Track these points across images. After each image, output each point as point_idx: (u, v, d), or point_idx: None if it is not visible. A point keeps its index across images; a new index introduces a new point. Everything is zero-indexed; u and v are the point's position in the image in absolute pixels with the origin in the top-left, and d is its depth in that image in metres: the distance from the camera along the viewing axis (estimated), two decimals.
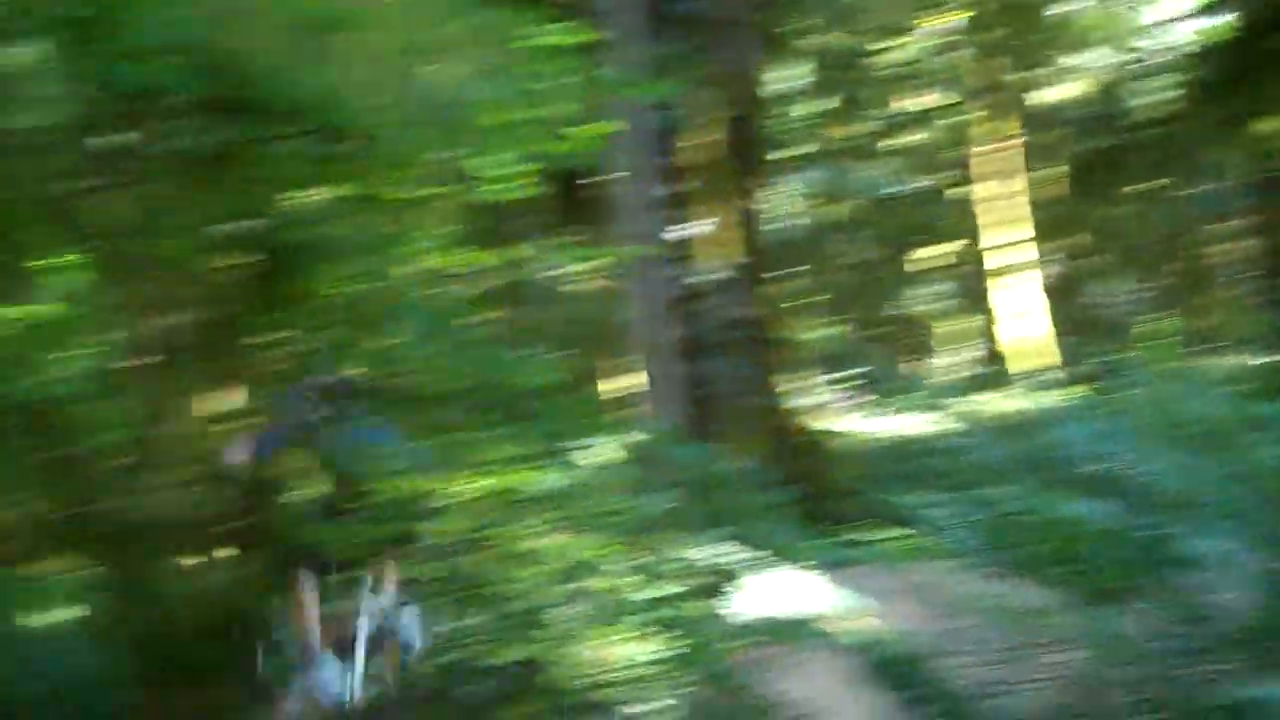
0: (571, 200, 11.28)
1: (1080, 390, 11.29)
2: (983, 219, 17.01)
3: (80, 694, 6.86)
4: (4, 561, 6.86)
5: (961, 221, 18.18)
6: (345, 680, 5.00)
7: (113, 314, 5.75)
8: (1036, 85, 18.11)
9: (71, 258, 5.72)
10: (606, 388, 10.92)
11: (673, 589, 5.76)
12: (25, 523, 6.58)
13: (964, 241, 18.82)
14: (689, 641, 5.54)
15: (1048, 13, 17.41)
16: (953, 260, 20.21)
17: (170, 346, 5.65)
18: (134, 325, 5.79)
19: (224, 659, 5.40)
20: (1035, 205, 16.84)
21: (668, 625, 5.57)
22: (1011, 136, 16.71)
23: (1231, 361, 14.21)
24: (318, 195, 5.05)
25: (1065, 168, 18.75)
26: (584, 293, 11.90)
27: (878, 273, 21.05)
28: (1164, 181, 18.37)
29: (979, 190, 17.15)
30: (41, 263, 5.61)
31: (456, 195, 5.52)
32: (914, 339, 22.16)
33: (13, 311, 5.65)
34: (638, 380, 10.48)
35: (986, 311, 17.31)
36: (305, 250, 5.23)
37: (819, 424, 11.28)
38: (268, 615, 5.49)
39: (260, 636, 5.46)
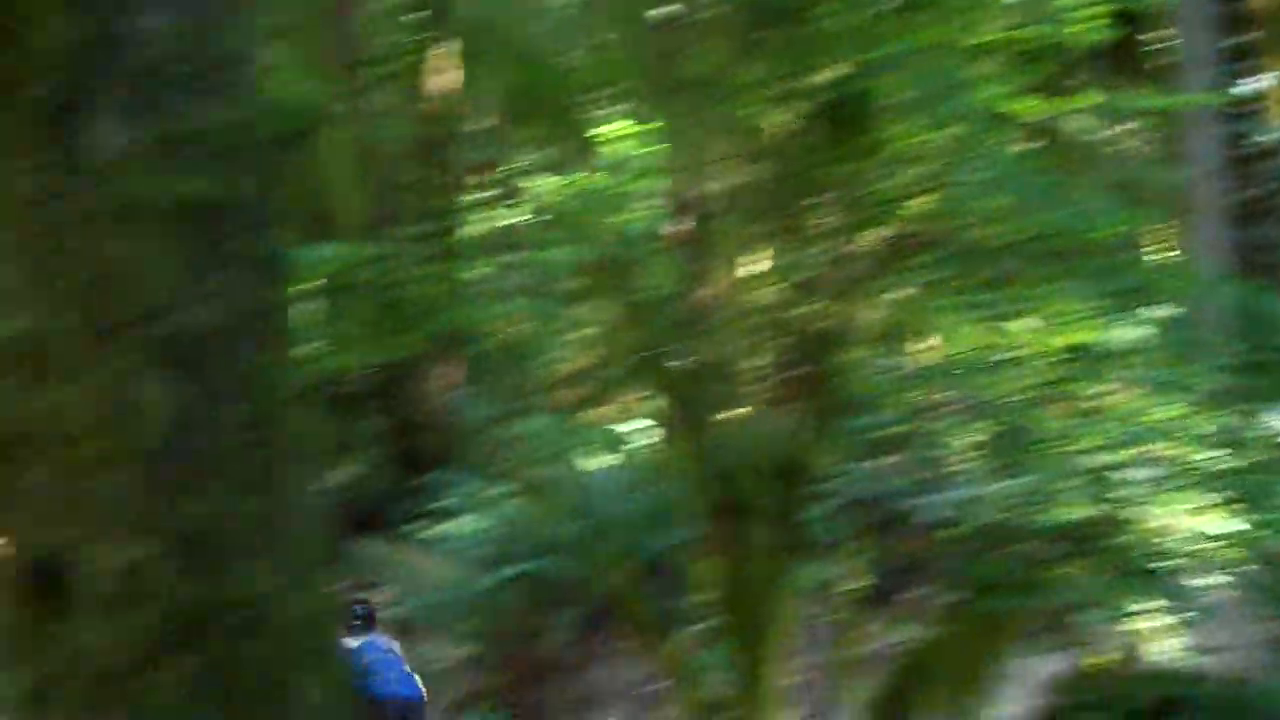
0: (1131, 50, 10.47)
1: None
2: None
3: (637, 529, 7.60)
4: (565, 408, 7.66)
5: None
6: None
7: (681, 171, 6.07)
8: None
9: (629, 124, 6.07)
10: (1160, 248, 10.17)
11: (1244, 460, 5.33)
12: (596, 369, 7.30)
13: None
14: (1259, 517, 5.14)
15: None
16: None
17: (733, 203, 5.88)
18: (699, 182, 6.06)
19: (778, 502, 5.68)
20: None
21: (1237, 498, 5.19)
22: None
23: None
24: (886, 45, 5.04)
25: None
26: (1139, 148, 11.08)
27: None
28: None
29: None
30: (605, 129, 6.03)
31: (1024, 40, 5.28)
32: None
33: (583, 178, 6.14)
34: (1191, 242, 9.68)
35: None
36: (871, 101, 5.25)
37: None
38: (817, 463, 5.72)
39: (812, 483, 5.73)
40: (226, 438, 1.56)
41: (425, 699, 7.18)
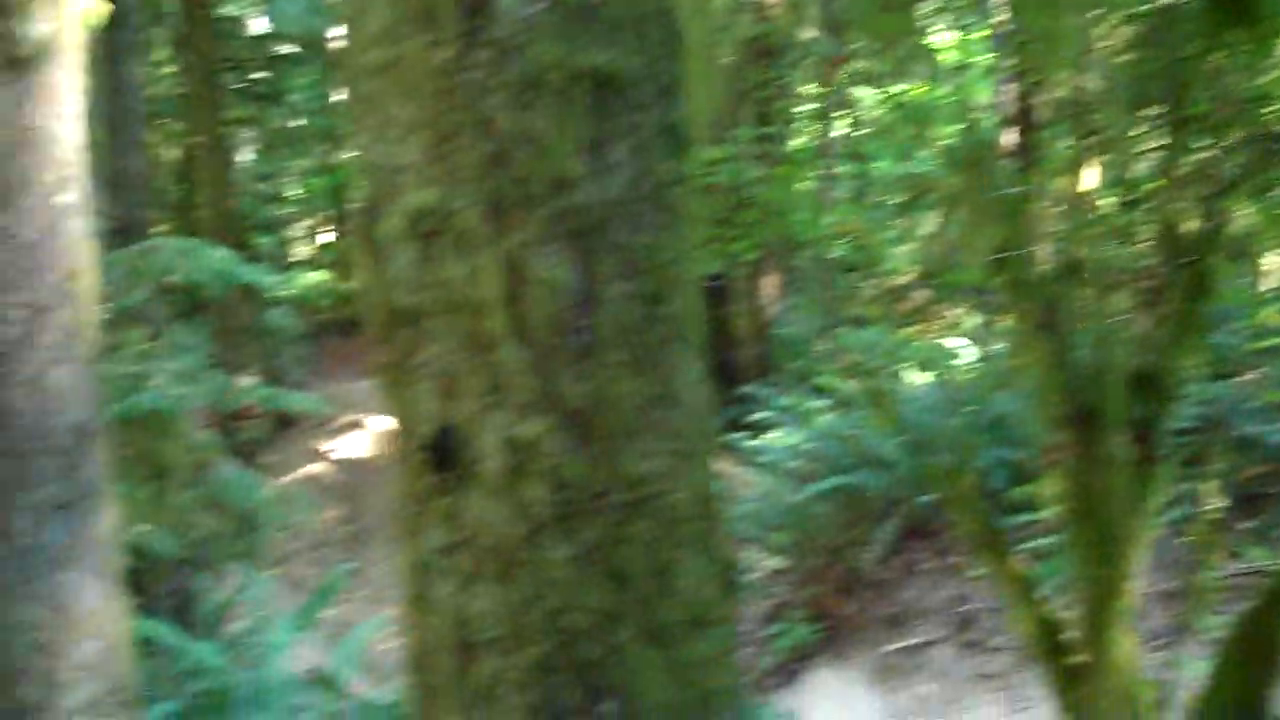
0: None
1: None
2: None
3: (966, 443, 7.37)
4: (891, 320, 7.45)
5: None
6: None
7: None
8: None
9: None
10: None
11: None
12: (924, 280, 7.04)
13: None
14: None
15: None
16: None
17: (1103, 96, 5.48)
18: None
19: (1138, 412, 5.31)
20: None
21: None
22: None
23: None
24: None
25: None
26: None
27: None
28: None
29: None
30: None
31: None
32: None
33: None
34: None
35: None
36: None
37: None
38: (1177, 374, 5.29)
39: (1173, 395, 5.30)
40: (620, 315, 1.53)
41: None
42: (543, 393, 1.53)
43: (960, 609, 7.20)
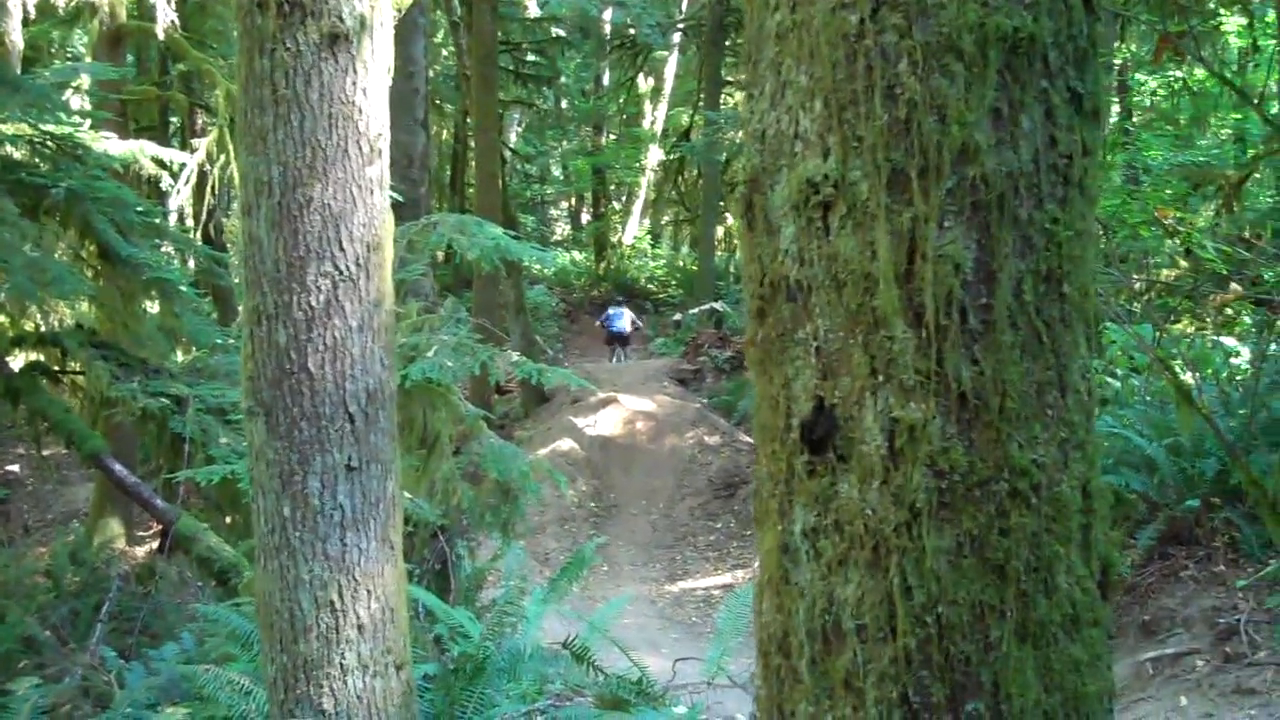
0: None
1: None
2: None
3: (1232, 450, 6.87)
4: (1159, 317, 6.97)
5: None
6: None
7: None
8: None
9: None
10: None
11: None
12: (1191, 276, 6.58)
13: None
14: None
15: None
16: None
17: None
18: None
19: None
20: None
21: None
22: None
23: None
24: None
25: None
26: None
27: None
28: None
29: None
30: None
31: None
32: None
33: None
34: None
35: None
36: None
37: None
38: None
39: None
40: (1018, 294, 1.44)
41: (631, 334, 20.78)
42: (930, 374, 1.46)
43: (1222, 619, 6.76)
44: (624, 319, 22.12)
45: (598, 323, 23.26)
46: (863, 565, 1.53)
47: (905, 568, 1.50)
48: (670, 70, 31.98)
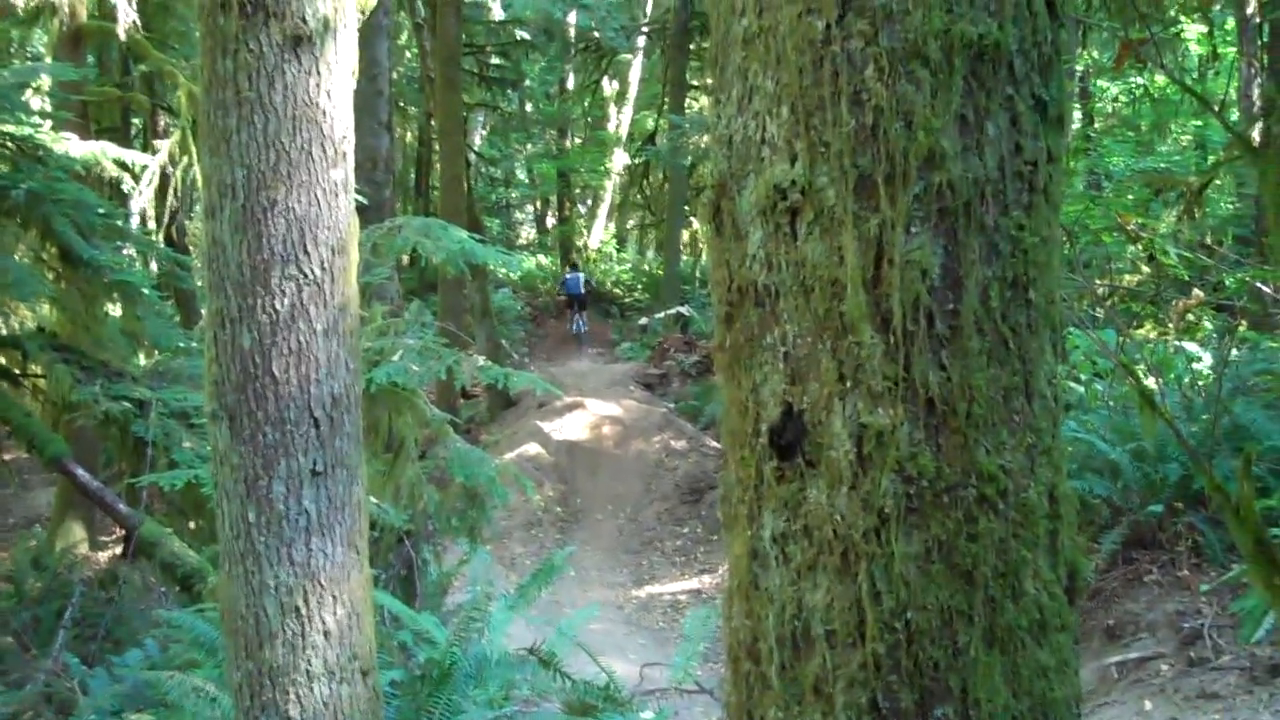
0: None
1: None
2: None
3: (1196, 455, 6.95)
4: (1123, 323, 7.04)
5: None
6: None
7: None
8: None
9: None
10: None
11: None
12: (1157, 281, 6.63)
13: None
14: None
15: None
16: None
17: None
18: None
19: None
20: None
21: None
22: None
23: None
24: None
25: None
26: None
27: None
28: None
29: None
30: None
31: None
32: None
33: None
34: None
35: None
36: None
37: None
38: None
39: None
40: (985, 300, 1.45)
41: (586, 295, 23.22)
42: (898, 380, 1.46)
43: (1185, 624, 6.84)
44: (579, 282, 23.74)
45: (555, 286, 25.26)
46: (832, 571, 1.53)
47: (874, 573, 1.50)
48: (635, 74, 32.09)
